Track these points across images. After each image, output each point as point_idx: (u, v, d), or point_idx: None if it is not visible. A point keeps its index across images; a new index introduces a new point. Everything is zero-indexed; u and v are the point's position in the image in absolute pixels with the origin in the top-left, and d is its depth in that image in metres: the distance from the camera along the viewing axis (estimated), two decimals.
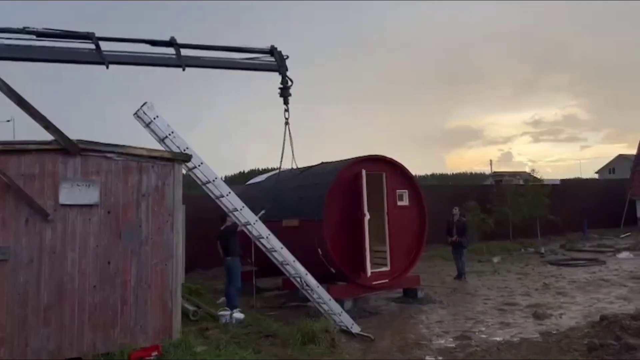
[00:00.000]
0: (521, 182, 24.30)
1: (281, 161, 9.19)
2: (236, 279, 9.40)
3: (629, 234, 21.89)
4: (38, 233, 6.15)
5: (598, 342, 6.48)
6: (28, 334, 6.00)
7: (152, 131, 7.64)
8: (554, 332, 7.63)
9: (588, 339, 6.77)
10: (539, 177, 22.13)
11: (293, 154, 9.23)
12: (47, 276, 6.14)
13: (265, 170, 27.08)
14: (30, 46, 6.59)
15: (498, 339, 7.42)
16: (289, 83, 9.20)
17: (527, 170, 33.28)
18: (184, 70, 8.39)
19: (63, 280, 6.21)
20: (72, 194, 6.31)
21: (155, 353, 6.21)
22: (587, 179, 36.34)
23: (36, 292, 6.06)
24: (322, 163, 11.41)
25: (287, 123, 9.12)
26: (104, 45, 7.01)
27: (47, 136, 6.29)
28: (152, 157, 6.81)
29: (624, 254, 16.07)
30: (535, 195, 19.93)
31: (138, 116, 7.63)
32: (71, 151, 6.30)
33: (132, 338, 6.49)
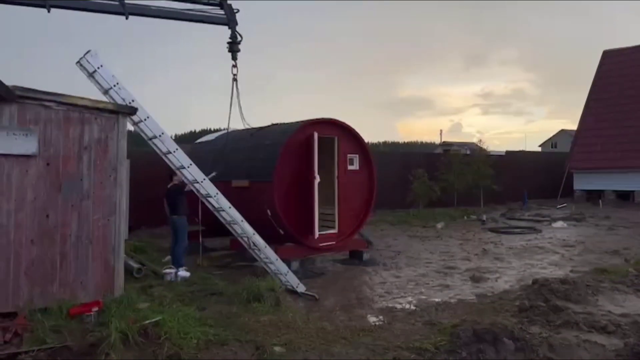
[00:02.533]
0: (468, 152, 25.01)
1: (229, 118, 9.07)
2: (183, 237, 9.28)
3: (565, 205, 23.08)
4: None
5: (528, 303, 6.86)
6: None
7: (96, 81, 7.28)
8: (489, 294, 8.02)
9: (520, 301, 7.15)
10: (485, 147, 22.81)
11: (241, 111, 9.12)
12: None
13: (216, 130, 26.53)
14: None
15: (437, 299, 7.73)
16: (239, 38, 8.99)
17: (475, 141, 34.26)
18: (127, 18, 8.03)
19: None
20: (7, 143, 5.97)
21: (95, 309, 6.08)
22: (530, 152, 37.76)
23: None
24: (274, 124, 11.30)
25: (235, 79, 8.95)
26: None
27: None
28: (96, 109, 6.52)
29: (558, 224, 16.95)
30: (480, 165, 20.60)
31: (81, 64, 7.24)
32: (7, 98, 5.93)
33: (72, 294, 6.34)
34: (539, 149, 60.22)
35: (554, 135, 65.31)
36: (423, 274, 9.66)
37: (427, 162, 21.44)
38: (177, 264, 8.94)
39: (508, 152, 28.09)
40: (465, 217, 18.92)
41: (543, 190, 25.54)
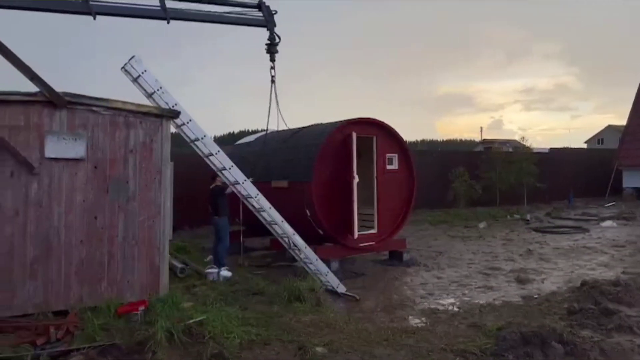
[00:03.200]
0: (510, 150, 24.40)
1: (268, 120, 9.13)
2: (224, 237, 9.45)
3: (613, 203, 22.21)
4: (24, 186, 6.08)
5: (578, 306, 6.64)
6: (14, 287, 6.02)
7: (140, 86, 7.48)
8: (536, 296, 7.80)
9: (568, 303, 6.93)
10: (528, 145, 22.20)
11: (279, 112, 9.15)
12: (33, 229, 6.11)
13: (254, 132, 26.82)
14: None
15: (481, 301, 7.57)
16: (277, 39, 9.05)
17: (517, 138, 33.42)
18: (168, 22, 8.20)
19: (49, 234, 6.19)
20: (58, 147, 6.21)
21: (142, 308, 6.25)
22: (575, 149, 36.51)
23: (22, 245, 6.05)
24: (313, 125, 11.32)
25: (273, 81, 9.00)
26: None
27: (31, 87, 6.14)
28: (141, 113, 6.70)
29: (607, 223, 16.33)
30: (523, 162, 20.05)
31: (126, 70, 7.45)
32: (57, 104, 6.17)
33: (119, 293, 6.54)
34: (585, 146, 58.18)
35: (600, 131, 62.99)
36: (466, 275, 9.48)
37: (467, 160, 21.06)
38: (219, 264, 9.09)
39: (552, 149, 27.27)
40: (508, 217, 18.46)
41: (589, 189, 24.65)
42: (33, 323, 5.85)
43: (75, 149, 6.30)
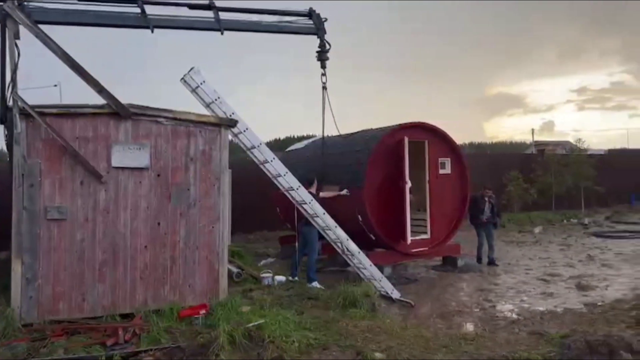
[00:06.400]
0: (565, 152, 23.60)
1: (323, 127, 9.19)
2: (314, 248, 9.14)
3: None
4: (92, 194, 6.41)
5: None
6: (85, 290, 6.34)
7: (199, 96, 7.73)
8: (599, 303, 7.52)
9: (636, 311, 6.66)
10: (584, 146, 21.39)
11: (334, 117, 9.20)
12: (101, 235, 6.43)
13: (301, 137, 27.08)
14: (81, 10, 6.75)
15: (541, 308, 7.36)
16: (327, 46, 9.13)
17: (571, 139, 32.22)
18: (222, 33, 8.43)
19: (116, 239, 6.49)
20: (123, 156, 6.52)
21: (203, 311, 6.43)
22: (635, 150, 34.87)
23: (92, 250, 6.37)
24: (364, 130, 11.34)
25: (324, 87, 9.08)
26: (147, 9, 7.11)
27: (98, 100, 6.47)
28: (200, 122, 6.94)
29: None
30: (580, 165, 19.35)
31: (185, 81, 7.72)
32: (123, 115, 6.47)
33: (181, 296, 6.77)
34: None
35: None
36: (523, 281, 9.24)
37: (520, 163, 20.50)
38: (311, 279, 8.86)
39: (610, 151, 26.16)
40: (565, 221, 17.87)
41: None
42: (103, 325, 6.14)
43: (139, 158, 6.59)
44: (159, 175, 6.72)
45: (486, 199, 11.02)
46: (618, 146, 34.70)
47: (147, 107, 6.60)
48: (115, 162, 6.50)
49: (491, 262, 10.82)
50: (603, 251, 12.07)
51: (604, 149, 26.83)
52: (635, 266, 10.22)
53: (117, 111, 6.43)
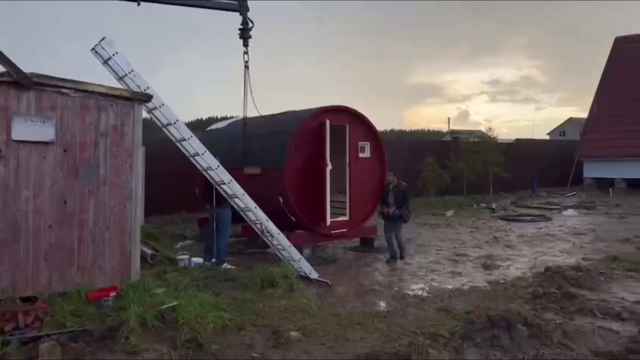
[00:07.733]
0: (477, 140, 24.91)
1: (245, 106, 9.04)
2: (226, 231, 9.06)
3: (574, 193, 23.00)
4: None
5: (542, 290, 6.90)
6: None
7: (111, 68, 7.31)
8: (502, 281, 8.05)
9: (532, 288, 7.19)
10: (493, 135, 22.73)
11: (252, 98, 9.06)
12: None
13: (224, 118, 26.47)
14: None
15: (449, 286, 7.77)
16: (250, 24, 8.95)
17: (483, 129, 34.10)
18: (138, 4, 8.06)
19: (16, 217, 6.01)
20: (25, 129, 6.02)
21: (113, 294, 6.16)
22: (539, 140, 37.54)
23: None
24: (286, 112, 11.29)
25: (246, 66, 8.91)
26: None
27: None
28: (112, 96, 6.54)
29: (569, 212, 16.91)
30: (490, 152, 20.52)
31: (96, 52, 7.26)
32: (25, 85, 5.97)
33: (90, 278, 6.42)
34: (547, 138, 59.69)
35: (562, 123, 64.70)
36: (434, 261, 9.69)
37: (436, 150, 21.39)
38: (221, 259, 8.80)
39: (518, 140, 27.95)
40: (475, 205, 18.89)
41: (553, 179, 25.43)
42: (0, 309, 5.71)
43: (43, 131, 6.12)
44: (65, 150, 6.28)
45: (390, 187, 9.75)
46: (525, 137, 37.12)
47: (52, 77, 6.12)
48: (15, 135, 5.98)
49: (393, 259, 9.56)
50: (507, 233, 12.92)
51: (512, 138, 28.57)
52: (535, 247, 11.03)
53: (17, 80, 5.93)
